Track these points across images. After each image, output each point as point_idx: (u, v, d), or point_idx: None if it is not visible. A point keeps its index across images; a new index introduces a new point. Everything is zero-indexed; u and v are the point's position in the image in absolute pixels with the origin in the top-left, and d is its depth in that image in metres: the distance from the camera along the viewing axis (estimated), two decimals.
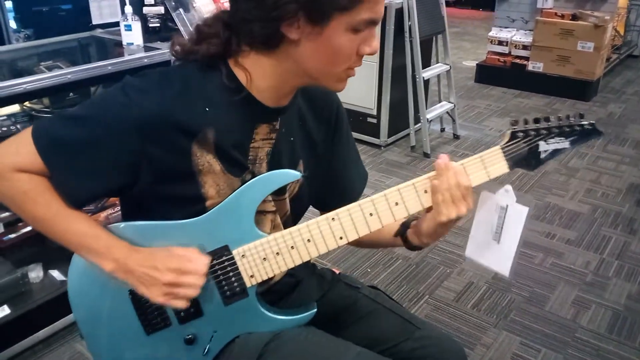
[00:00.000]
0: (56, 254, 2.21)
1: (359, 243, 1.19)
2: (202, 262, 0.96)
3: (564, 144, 0.98)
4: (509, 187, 1.01)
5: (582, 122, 0.98)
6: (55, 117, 0.95)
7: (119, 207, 2.25)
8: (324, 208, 1.15)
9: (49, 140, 0.93)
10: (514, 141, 0.97)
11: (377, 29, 1.02)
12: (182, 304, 0.96)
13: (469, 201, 0.96)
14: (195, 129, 0.94)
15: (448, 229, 1.00)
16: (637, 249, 2.74)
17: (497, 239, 1.03)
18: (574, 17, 4.79)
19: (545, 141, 0.97)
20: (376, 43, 0.95)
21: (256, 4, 0.87)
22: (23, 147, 0.93)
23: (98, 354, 1.09)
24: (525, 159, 0.98)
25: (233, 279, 1.00)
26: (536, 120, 0.97)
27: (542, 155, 0.98)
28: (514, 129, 0.97)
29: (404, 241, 1.10)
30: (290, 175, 1.00)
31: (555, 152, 0.98)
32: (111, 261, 0.95)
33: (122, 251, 0.95)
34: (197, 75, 0.96)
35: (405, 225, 1.09)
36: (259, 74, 0.95)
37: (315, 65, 0.93)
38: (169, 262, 0.94)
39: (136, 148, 0.91)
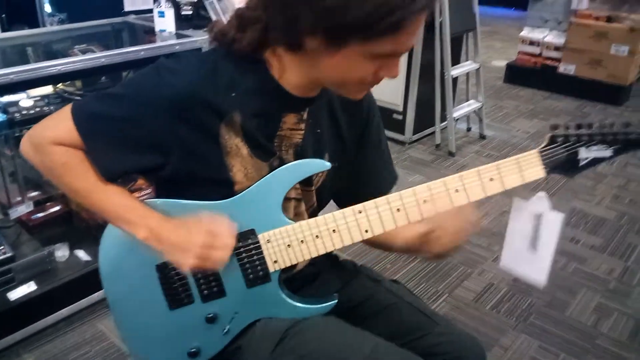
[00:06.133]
0: (82, 234, 2.27)
1: (389, 246, 1.19)
2: (231, 226, 0.97)
3: (606, 152, 0.93)
4: (542, 193, 0.98)
5: (627, 131, 0.94)
6: (93, 95, 0.99)
7: (145, 192, 2.31)
8: (346, 205, 1.15)
9: (86, 116, 0.97)
10: (553, 145, 0.94)
11: None
12: (213, 266, 0.98)
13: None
14: (222, 110, 0.96)
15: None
16: None
17: (533, 248, 1.00)
18: (609, 19, 4.69)
19: (586, 147, 0.93)
20: (396, 70, 0.92)
21: (279, 12, 0.87)
22: (62, 122, 0.97)
23: (121, 323, 1.12)
24: (563, 165, 0.94)
25: (257, 262, 1.01)
26: (578, 126, 0.93)
27: (582, 163, 0.94)
28: (554, 132, 0.94)
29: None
30: (320, 165, 1.01)
31: (596, 161, 0.94)
32: (145, 229, 0.97)
33: (155, 220, 0.98)
34: (228, 60, 0.97)
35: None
36: (289, 68, 0.96)
37: (329, 76, 0.93)
38: (200, 226, 0.96)
39: (166, 127, 0.94)
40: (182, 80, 0.94)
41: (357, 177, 1.18)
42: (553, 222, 0.98)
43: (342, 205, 1.17)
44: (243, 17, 0.95)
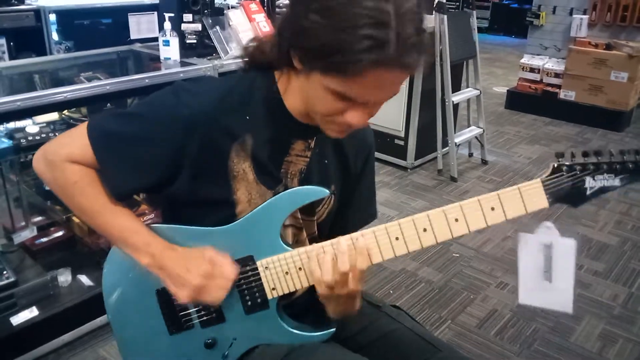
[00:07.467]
0: (85, 259, 2.28)
1: None
2: (232, 272, 0.98)
3: (613, 181, 0.90)
4: (549, 223, 0.95)
5: (638, 160, 0.89)
6: (109, 114, 1.00)
7: (149, 217, 2.32)
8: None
9: (101, 134, 0.98)
10: (557, 175, 0.91)
11: None
12: (209, 302, 0.99)
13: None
14: (236, 133, 0.98)
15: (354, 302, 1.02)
16: None
17: (549, 279, 0.96)
18: (608, 47, 4.74)
19: (592, 177, 0.90)
20: (358, 120, 0.88)
21: (281, 21, 0.91)
22: (77, 140, 0.98)
23: (122, 343, 1.13)
24: (568, 195, 0.91)
25: (255, 289, 1.02)
26: (585, 154, 0.90)
27: (588, 192, 0.91)
28: (559, 161, 0.91)
29: None
30: (318, 192, 1.01)
31: (603, 190, 0.90)
32: (148, 256, 0.99)
33: (159, 248, 0.99)
34: (244, 84, 1.00)
35: None
36: (290, 86, 0.98)
37: (306, 100, 0.94)
38: (201, 266, 0.97)
39: (180, 146, 0.95)
40: (200, 101, 0.96)
41: (348, 207, 1.18)
42: (566, 249, 0.95)
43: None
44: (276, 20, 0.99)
